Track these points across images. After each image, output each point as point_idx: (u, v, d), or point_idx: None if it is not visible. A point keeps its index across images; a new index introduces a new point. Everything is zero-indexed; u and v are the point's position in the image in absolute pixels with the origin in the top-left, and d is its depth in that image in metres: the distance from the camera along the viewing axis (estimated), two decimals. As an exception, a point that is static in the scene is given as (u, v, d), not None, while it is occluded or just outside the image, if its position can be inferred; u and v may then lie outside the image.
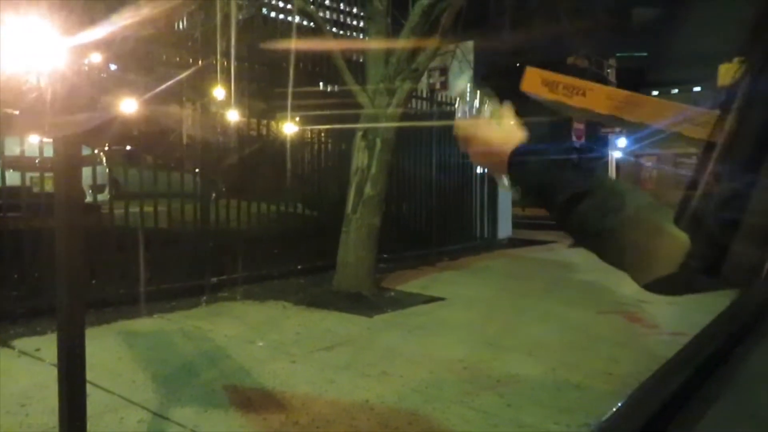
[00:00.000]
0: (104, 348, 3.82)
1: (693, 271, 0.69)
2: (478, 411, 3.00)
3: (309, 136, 7.17)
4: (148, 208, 5.35)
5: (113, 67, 5.65)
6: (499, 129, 0.93)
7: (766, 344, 0.54)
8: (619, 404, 0.52)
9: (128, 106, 5.75)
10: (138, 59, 5.47)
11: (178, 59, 5.84)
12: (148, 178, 5.48)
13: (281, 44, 6.80)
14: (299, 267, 6.51)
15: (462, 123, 0.97)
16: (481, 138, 0.94)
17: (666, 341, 4.33)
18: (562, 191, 0.81)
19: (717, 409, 0.46)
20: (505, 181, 0.92)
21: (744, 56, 0.85)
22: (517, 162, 0.89)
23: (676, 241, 0.70)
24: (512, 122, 0.95)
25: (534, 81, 0.93)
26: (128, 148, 8.40)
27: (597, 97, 0.88)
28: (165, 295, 5.16)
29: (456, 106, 1.01)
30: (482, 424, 2.85)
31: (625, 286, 5.96)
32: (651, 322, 4.86)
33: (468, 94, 0.97)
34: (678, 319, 4.89)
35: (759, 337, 0.54)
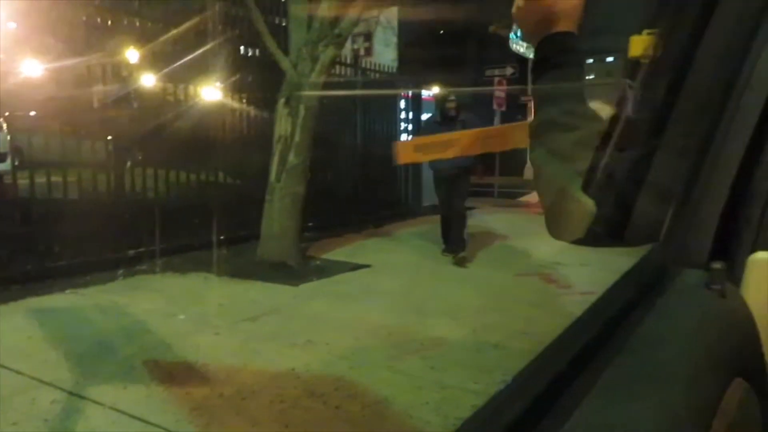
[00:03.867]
0: (12, 327, 3.61)
1: (598, 237, 0.72)
2: (402, 374, 3.07)
3: (230, 101, 6.93)
4: (57, 178, 5.03)
5: (12, 25, 5.22)
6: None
7: (658, 309, 0.58)
8: (528, 363, 0.55)
9: (31, 68, 5.35)
10: (40, 18, 5.07)
11: (84, 18, 5.46)
12: (56, 145, 5.14)
13: (200, 5, 6.49)
14: (222, 237, 6.36)
15: None
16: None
17: (578, 301, 4.58)
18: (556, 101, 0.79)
19: (615, 369, 0.49)
20: (521, 41, 0.84)
21: (654, 29, 0.88)
22: (552, 43, 0.81)
23: (583, 208, 0.72)
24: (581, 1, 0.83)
25: (407, 152, 0.96)
26: (32, 113, 7.84)
27: (465, 142, 0.94)
28: (78, 270, 4.91)
29: None
30: (407, 387, 2.93)
31: (541, 249, 6.24)
32: (565, 282, 5.12)
33: None
34: (589, 280, 5.18)
35: (651, 302, 0.58)
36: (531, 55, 0.90)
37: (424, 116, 10.10)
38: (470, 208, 9.35)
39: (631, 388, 0.48)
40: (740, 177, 0.77)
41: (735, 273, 0.76)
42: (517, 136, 0.93)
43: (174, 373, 3.02)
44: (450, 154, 1.05)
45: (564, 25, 0.80)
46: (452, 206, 6.17)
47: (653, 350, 0.53)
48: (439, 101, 6.88)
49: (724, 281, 0.68)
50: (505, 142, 1.03)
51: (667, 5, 0.85)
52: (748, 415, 0.57)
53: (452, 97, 6.07)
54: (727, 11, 0.77)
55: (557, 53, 0.81)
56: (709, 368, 0.55)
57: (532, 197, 12.19)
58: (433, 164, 6.20)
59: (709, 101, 0.79)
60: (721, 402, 0.53)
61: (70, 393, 2.75)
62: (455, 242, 6.10)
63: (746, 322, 0.70)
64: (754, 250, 0.78)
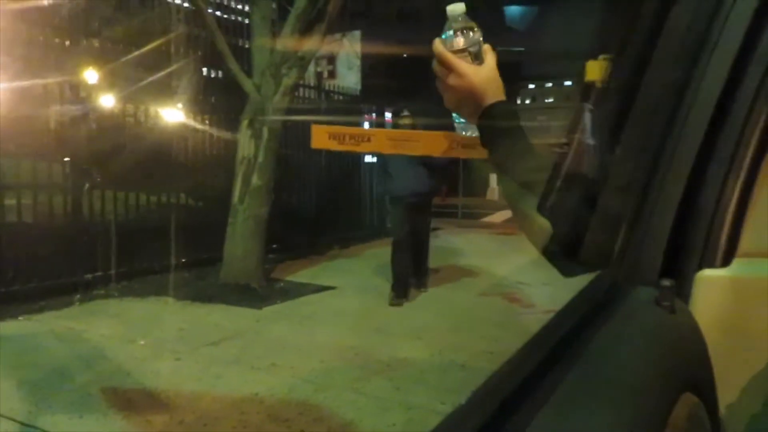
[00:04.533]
0: (-40, 356, 3.46)
1: (554, 255, 0.74)
2: (368, 396, 3.05)
3: (193, 123, 6.86)
4: (11, 201, 4.88)
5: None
6: (482, 75, 0.85)
7: (609, 325, 0.60)
8: (485, 380, 0.56)
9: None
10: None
11: (42, 38, 5.36)
12: (10, 167, 4.99)
13: (162, 26, 6.45)
14: (183, 260, 6.24)
15: (446, 54, 0.85)
16: (462, 79, 0.85)
17: (541, 319, 4.61)
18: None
19: (567, 385, 0.51)
20: (467, 128, 0.88)
21: (608, 54, 0.93)
22: (488, 116, 0.85)
23: (540, 228, 0.75)
24: (495, 70, 0.86)
25: (322, 137, 0.99)
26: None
27: (380, 140, 0.99)
28: (32, 295, 4.74)
29: (446, 28, 0.86)
30: (373, 408, 2.91)
31: (505, 269, 6.31)
32: (528, 302, 5.18)
33: (460, 21, 0.85)
34: (552, 299, 5.26)
35: (604, 319, 0.60)
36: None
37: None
38: (434, 229, 9.42)
39: (582, 402, 0.49)
40: (687, 197, 0.80)
41: (684, 290, 0.79)
42: (432, 144, 0.98)
43: (133, 400, 2.94)
44: (363, 148, 1.08)
45: (492, 97, 0.85)
46: (414, 235, 5.36)
47: (604, 365, 0.55)
48: (394, 118, 6.72)
49: (674, 298, 0.71)
50: (418, 147, 1.07)
51: (619, 31, 0.89)
52: (696, 429, 0.60)
53: (405, 113, 5.51)
54: (672, 42, 0.81)
55: (498, 121, 0.85)
56: (658, 383, 0.57)
57: (496, 218, 12.36)
58: (390, 187, 5.31)
59: (656, 123, 0.82)
60: (670, 416, 0.54)
61: (23, 424, 2.64)
62: (419, 273, 5.56)
63: (695, 337, 0.73)
64: (701, 267, 0.81)
